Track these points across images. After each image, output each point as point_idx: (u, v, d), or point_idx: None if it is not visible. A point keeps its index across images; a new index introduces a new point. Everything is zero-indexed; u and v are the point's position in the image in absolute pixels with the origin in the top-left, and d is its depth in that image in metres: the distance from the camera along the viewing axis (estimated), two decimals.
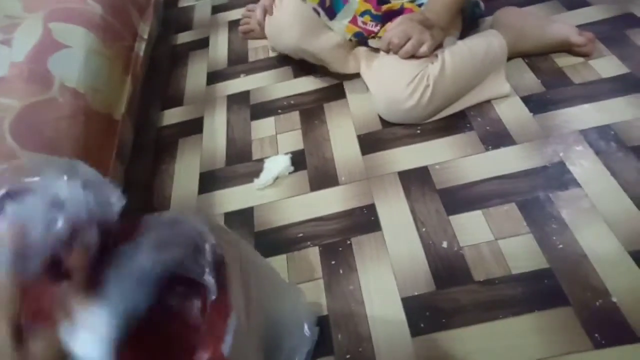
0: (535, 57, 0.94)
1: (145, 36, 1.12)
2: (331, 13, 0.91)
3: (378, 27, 0.90)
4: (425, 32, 0.82)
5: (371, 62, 0.92)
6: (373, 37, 0.92)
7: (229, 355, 0.34)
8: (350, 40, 0.93)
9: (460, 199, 0.75)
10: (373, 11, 0.89)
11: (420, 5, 0.89)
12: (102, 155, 0.80)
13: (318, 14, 0.91)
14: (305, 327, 0.59)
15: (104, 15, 0.96)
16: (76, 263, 0.31)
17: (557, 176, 0.74)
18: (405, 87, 0.81)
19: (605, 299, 0.60)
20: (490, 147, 0.81)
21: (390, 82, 0.84)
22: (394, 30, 0.83)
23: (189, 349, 0.34)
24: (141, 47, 1.07)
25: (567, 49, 0.93)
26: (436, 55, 0.83)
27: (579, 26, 0.97)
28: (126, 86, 0.95)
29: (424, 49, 0.81)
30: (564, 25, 0.93)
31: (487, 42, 0.87)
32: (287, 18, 0.93)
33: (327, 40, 0.93)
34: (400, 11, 0.89)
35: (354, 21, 0.91)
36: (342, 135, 0.91)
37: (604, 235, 0.66)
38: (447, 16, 0.85)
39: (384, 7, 0.89)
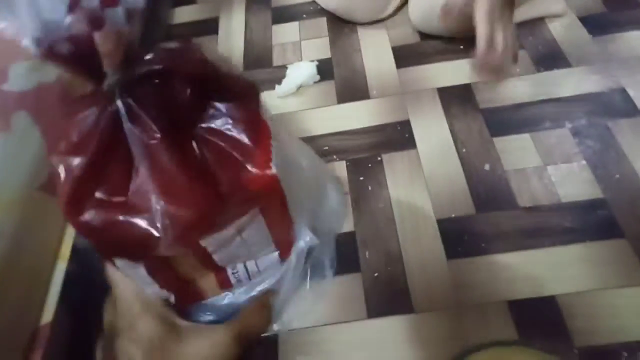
0: None
1: None
2: None
3: None
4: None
5: None
6: None
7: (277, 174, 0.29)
8: None
9: (506, 120, 0.68)
10: None
11: None
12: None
13: None
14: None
15: None
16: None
17: (617, 103, 0.67)
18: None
19: None
20: (542, 68, 0.73)
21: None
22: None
23: (235, 165, 0.29)
24: None
25: None
26: None
27: None
28: None
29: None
30: None
31: None
32: None
33: None
34: None
35: None
36: (375, 46, 0.81)
37: None
38: None
39: None
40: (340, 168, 0.67)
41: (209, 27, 0.91)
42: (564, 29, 0.77)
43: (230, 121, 0.30)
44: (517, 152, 0.64)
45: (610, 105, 0.66)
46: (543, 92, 0.70)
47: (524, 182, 0.61)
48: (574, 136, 0.64)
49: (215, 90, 0.30)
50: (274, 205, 0.32)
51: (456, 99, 0.71)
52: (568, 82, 0.70)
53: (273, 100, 0.76)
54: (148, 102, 0.28)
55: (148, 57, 0.32)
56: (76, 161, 0.28)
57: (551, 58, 0.74)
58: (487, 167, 0.63)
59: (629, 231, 0.55)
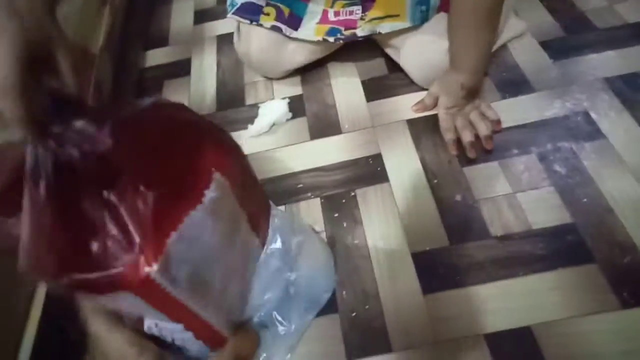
0: (560, 3, 0.87)
1: None
2: (294, 21, 0.76)
3: (359, 12, 0.76)
4: (473, 101, 0.71)
5: (389, 41, 0.78)
6: (354, 31, 0.75)
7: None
8: (325, 40, 0.76)
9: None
10: None
11: None
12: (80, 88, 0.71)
13: (280, 30, 0.76)
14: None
15: None
16: None
17: (581, 126, 0.68)
18: (440, 47, 0.71)
19: (634, 256, 0.55)
20: (507, 95, 0.75)
21: (428, 50, 0.72)
22: (459, 128, 0.69)
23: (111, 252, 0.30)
24: None
25: None
26: None
27: None
28: (103, 19, 0.85)
29: (489, 115, 0.70)
30: None
31: None
32: (254, 56, 0.80)
33: (303, 54, 0.80)
34: None
35: (324, 19, 0.77)
36: (344, 80, 0.83)
37: (631, 188, 0.61)
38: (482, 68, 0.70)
39: None
40: (314, 205, 0.67)
41: (181, 69, 0.92)
42: (526, 55, 0.79)
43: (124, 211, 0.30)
44: (486, 180, 0.65)
45: (575, 129, 0.68)
46: (509, 119, 0.71)
47: (495, 211, 0.62)
48: (541, 162, 0.66)
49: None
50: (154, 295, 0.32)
51: (425, 130, 0.73)
52: (533, 108, 0.72)
53: (246, 140, 0.77)
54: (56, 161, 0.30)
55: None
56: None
57: (515, 84, 0.76)
58: (458, 197, 0.64)
59: (599, 255, 0.56)
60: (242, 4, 0.79)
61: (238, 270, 0.42)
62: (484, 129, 0.68)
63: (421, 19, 0.72)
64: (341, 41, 0.77)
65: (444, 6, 0.71)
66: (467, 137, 0.68)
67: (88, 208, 0.30)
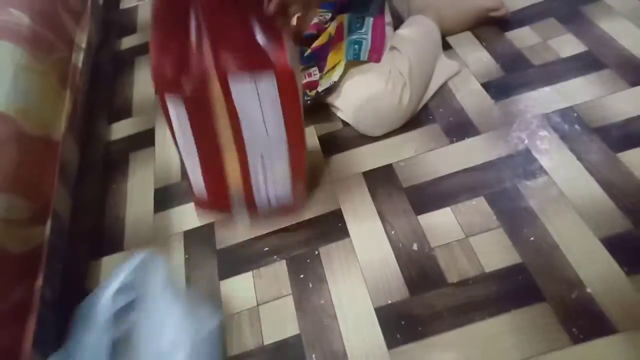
0: (492, 40, 0.92)
1: (84, 45, 1.04)
2: None
3: (317, 72, 0.81)
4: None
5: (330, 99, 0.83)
6: (316, 89, 0.80)
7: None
8: None
9: (428, 196, 0.72)
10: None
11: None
12: (41, 181, 0.73)
13: None
14: None
15: (33, 26, 0.88)
16: None
17: (524, 164, 0.72)
18: (384, 92, 0.76)
19: (580, 291, 0.58)
20: (454, 139, 0.79)
21: (366, 87, 0.77)
22: None
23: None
24: (79, 58, 0.99)
25: (486, 17, 0.94)
26: (393, 49, 0.79)
27: (533, 5, 0.96)
28: (65, 102, 0.88)
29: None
30: None
31: (424, 27, 0.85)
32: None
33: None
34: (330, 42, 0.79)
35: None
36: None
37: (574, 223, 0.64)
38: None
39: (314, 45, 0.79)
40: (281, 268, 0.70)
41: (146, 139, 0.95)
42: (470, 97, 0.84)
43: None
44: (440, 227, 0.68)
45: (519, 168, 0.72)
46: (458, 163, 0.75)
47: (450, 257, 0.65)
48: (489, 203, 0.69)
49: None
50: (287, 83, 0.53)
51: (380, 181, 0.76)
52: (479, 150, 0.76)
53: None
54: None
55: None
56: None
57: (461, 128, 0.80)
58: (415, 246, 0.67)
59: (548, 293, 0.59)
60: None
61: None
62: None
63: (353, 55, 0.78)
64: (309, 102, 0.81)
65: (374, 55, 0.76)
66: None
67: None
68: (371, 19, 0.78)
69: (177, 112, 0.56)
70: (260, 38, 0.52)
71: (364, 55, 0.78)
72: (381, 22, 0.79)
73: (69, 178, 0.84)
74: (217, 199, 0.65)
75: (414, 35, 0.83)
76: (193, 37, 0.52)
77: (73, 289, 0.71)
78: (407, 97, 0.77)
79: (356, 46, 0.77)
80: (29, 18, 0.89)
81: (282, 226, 0.74)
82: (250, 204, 0.65)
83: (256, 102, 0.54)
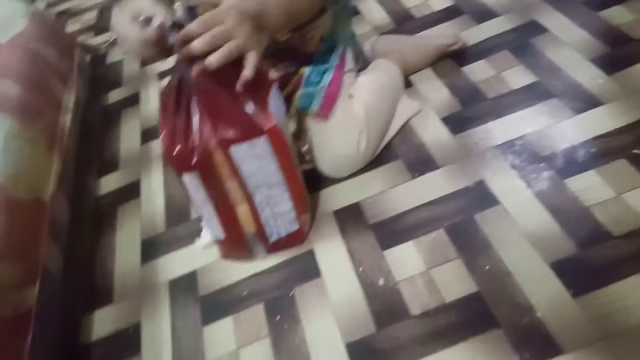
0: (451, 75, 0.98)
1: (71, 106, 1.11)
2: None
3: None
4: (255, 36, 0.60)
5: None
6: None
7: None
8: None
9: (393, 231, 0.77)
10: None
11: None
12: (31, 243, 0.79)
13: None
14: None
15: (23, 95, 0.95)
16: None
17: (479, 196, 0.77)
18: (341, 140, 0.82)
19: (531, 316, 0.63)
20: (416, 174, 0.84)
21: (325, 136, 0.83)
22: (214, 15, 0.57)
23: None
24: (67, 119, 1.06)
25: (445, 53, 1.01)
26: (351, 97, 0.85)
27: (489, 39, 1.03)
28: (54, 164, 0.94)
29: (248, 67, 0.59)
30: (432, 36, 1.05)
31: (385, 72, 0.91)
32: None
33: None
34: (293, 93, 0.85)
35: None
36: None
37: (525, 249, 0.69)
38: (286, 16, 0.65)
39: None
40: (259, 311, 0.74)
41: (132, 191, 1.01)
42: (430, 133, 0.90)
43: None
44: (404, 261, 0.73)
45: (474, 199, 0.77)
46: (419, 198, 0.80)
47: (414, 290, 0.70)
48: (448, 235, 0.74)
49: None
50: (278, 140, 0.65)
51: (350, 219, 0.81)
52: (439, 184, 0.81)
53: (196, 254, 0.85)
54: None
55: None
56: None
57: (422, 163, 0.85)
58: (381, 282, 0.72)
59: (503, 320, 0.63)
60: None
61: None
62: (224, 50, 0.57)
63: (303, 106, 0.83)
64: None
65: (324, 111, 0.81)
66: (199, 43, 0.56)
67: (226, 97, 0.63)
68: (331, 73, 0.84)
69: (193, 183, 0.69)
70: (248, 108, 0.64)
71: (314, 108, 0.83)
72: (339, 75, 0.85)
73: (60, 235, 0.89)
74: (235, 243, 0.77)
75: (373, 82, 0.89)
76: (196, 118, 0.64)
77: (67, 344, 0.76)
78: (365, 143, 0.82)
79: (308, 99, 0.82)
80: (19, 87, 0.95)
81: (260, 270, 0.79)
82: (264, 240, 0.76)
83: (255, 161, 0.67)
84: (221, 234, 0.75)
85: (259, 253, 0.78)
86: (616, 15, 0.97)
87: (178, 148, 0.64)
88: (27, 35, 1.10)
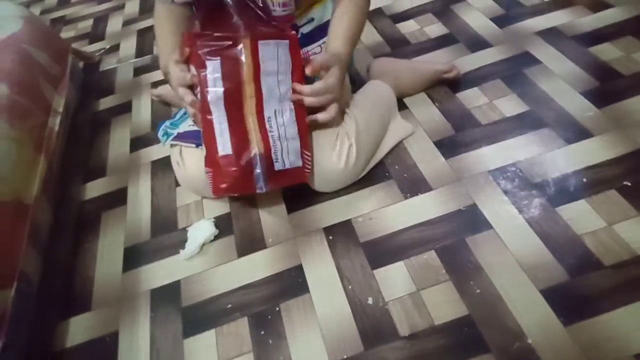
0: (445, 100, 1.00)
1: (61, 109, 1.09)
2: None
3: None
4: (342, 87, 0.79)
5: None
6: None
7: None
8: None
9: (383, 251, 0.76)
10: None
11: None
12: (10, 244, 0.76)
13: None
14: None
15: (11, 94, 0.94)
16: None
17: (471, 219, 0.77)
18: (331, 153, 0.81)
19: (522, 341, 0.62)
20: (408, 194, 0.84)
21: (314, 148, 0.82)
22: (328, 82, 0.76)
23: None
24: (56, 122, 1.04)
25: (439, 79, 1.02)
26: (345, 113, 0.85)
27: (481, 67, 1.05)
28: (39, 166, 0.92)
29: (330, 111, 0.78)
30: (427, 62, 1.07)
31: (378, 92, 0.93)
32: (197, 179, 0.86)
33: None
34: None
35: None
36: (268, 195, 0.91)
37: (516, 275, 0.68)
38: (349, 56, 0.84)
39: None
40: (243, 325, 0.72)
41: (118, 198, 0.98)
42: (423, 155, 0.90)
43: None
44: (394, 281, 0.72)
45: (466, 223, 0.77)
46: (410, 219, 0.80)
47: (403, 311, 0.68)
48: (439, 257, 0.73)
49: None
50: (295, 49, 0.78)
51: (341, 236, 0.80)
52: (431, 206, 0.81)
53: (180, 265, 0.82)
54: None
55: None
56: None
57: (415, 184, 0.85)
58: (370, 301, 0.71)
59: (493, 344, 0.62)
60: (179, 133, 0.88)
61: None
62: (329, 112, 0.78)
63: None
64: None
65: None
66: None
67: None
68: None
69: (213, 72, 0.73)
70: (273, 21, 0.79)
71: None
72: None
73: (40, 239, 0.87)
74: (240, 163, 0.75)
75: (365, 100, 0.90)
76: (234, 20, 0.75)
77: (40, 351, 0.73)
78: (354, 159, 0.82)
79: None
80: (7, 88, 0.94)
81: (246, 282, 0.77)
82: (269, 164, 0.76)
83: (275, 60, 0.75)
84: (229, 147, 0.74)
85: (260, 183, 0.76)
86: (605, 51, 1.00)
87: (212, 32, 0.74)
88: (20, 37, 1.09)
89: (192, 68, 0.75)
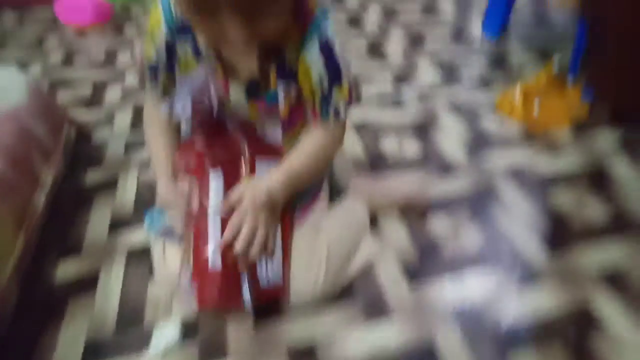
0: (414, 222, 1.07)
1: (49, 182, 1.12)
2: None
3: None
4: (269, 218, 0.75)
5: None
6: None
7: None
8: None
9: None
10: None
11: None
12: None
13: None
14: None
15: (1, 168, 0.96)
16: None
17: (426, 351, 0.82)
18: (302, 275, 0.85)
19: None
20: (370, 319, 0.88)
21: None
22: (244, 216, 0.73)
23: None
24: (41, 197, 1.07)
25: (410, 205, 1.10)
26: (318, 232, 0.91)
27: (451, 193, 1.13)
28: (17, 244, 0.93)
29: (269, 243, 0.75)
30: (402, 185, 1.12)
31: (352, 212, 0.99)
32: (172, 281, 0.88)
33: None
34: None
35: None
36: None
37: None
38: (291, 192, 0.80)
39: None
40: None
41: (89, 283, 0.99)
42: (388, 281, 0.95)
43: None
44: None
45: (422, 354, 0.81)
46: (368, 346, 0.83)
47: None
48: None
49: None
50: None
51: (302, 357, 0.83)
52: (390, 335, 0.85)
53: None
54: None
55: None
56: None
57: (377, 310, 0.90)
58: None
59: None
60: (166, 228, 0.91)
61: None
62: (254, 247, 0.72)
63: None
64: None
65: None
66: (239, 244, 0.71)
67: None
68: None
69: (215, 182, 0.77)
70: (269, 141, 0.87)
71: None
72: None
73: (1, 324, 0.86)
74: (229, 277, 0.73)
75: (340, 220, 0.96)
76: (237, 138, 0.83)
77: None
78: (322, 280, 0.86)
79: None
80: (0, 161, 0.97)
81: None
82: (254, 281, 0.74)
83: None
84: (219, 262, 0.72)
85: (246, 299, 0.73)
86: (560, 195, 1.10)
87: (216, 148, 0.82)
88: (24, 111, 1.13)
89: (188, 179, 0.79)
